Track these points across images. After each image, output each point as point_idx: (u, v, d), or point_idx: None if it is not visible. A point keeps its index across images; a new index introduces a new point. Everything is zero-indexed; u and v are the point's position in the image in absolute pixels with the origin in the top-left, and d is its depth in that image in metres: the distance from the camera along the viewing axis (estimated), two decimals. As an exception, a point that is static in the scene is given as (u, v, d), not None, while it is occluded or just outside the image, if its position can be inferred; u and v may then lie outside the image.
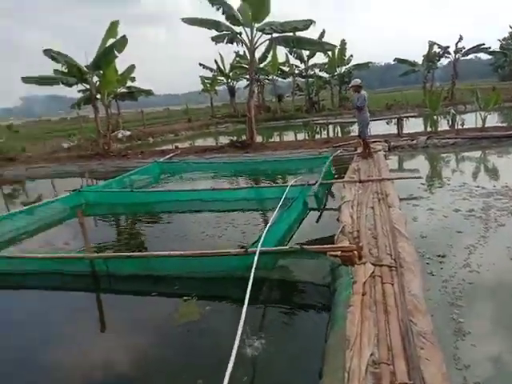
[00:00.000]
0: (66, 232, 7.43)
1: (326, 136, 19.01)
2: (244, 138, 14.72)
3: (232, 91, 34.86)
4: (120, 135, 21.97)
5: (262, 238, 4.65)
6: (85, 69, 14.05)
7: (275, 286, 4.44)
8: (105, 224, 7.93)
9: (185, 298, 4.16)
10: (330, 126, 23.00)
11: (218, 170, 11.80)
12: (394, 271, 3.92)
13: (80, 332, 3.89)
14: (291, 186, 7.57)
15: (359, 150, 11.02)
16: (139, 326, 3.86)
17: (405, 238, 4.69)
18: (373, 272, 3.93)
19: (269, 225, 5.18)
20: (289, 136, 22.02)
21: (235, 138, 16.78)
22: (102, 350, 3.59)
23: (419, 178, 7.75)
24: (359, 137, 10.25)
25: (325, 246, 4.32)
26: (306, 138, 17.51)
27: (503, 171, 8.53)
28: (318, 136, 21.05)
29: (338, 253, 4.24)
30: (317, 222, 6.74)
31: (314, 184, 7.71)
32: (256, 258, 4.14)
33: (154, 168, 11.97)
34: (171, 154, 13.48)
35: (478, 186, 7.37)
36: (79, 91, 17.51)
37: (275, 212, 5.95)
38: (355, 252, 4.16)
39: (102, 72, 14.39)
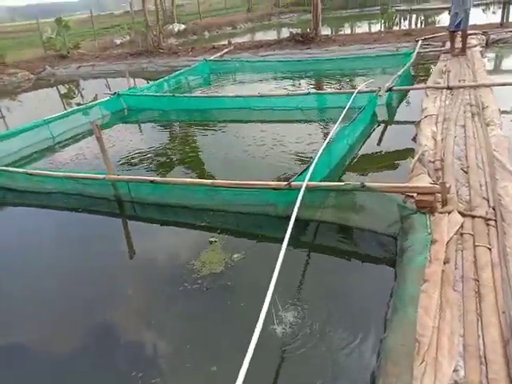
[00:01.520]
0: (105, 141, 6.83)
1: (406, 27, 16.06)
2: (308, 30, 12.67)
3: (299, -26, 30.34)
4: (175, 29, 20.44)
5: (313, 166, 3.63)
6: None
7: (324, 230, 3.51)
8: (142, 133, 7.22)
9: (210, 239, 3.40)
10: (414, 15, 19.50)
11: (273, 70, 10.34)
12: (492, 227, 2.78)
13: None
14: (358, 92, 6.20)
15: (448, 46, 8.86)
16: (151, 275, 3.22)
17: (508, 174, 3.40)
18: (461, 226, 2.82)
19: (323, 147, 4.08)
20: (362, 27, 19.06)
21: (299, 30, 14.64)
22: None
23: (531, 83, 5.90)
24: (456, 27, 8.02)
25: (394, 184, 3.19)
26: (382, 29, 14.82)
27: None
28: (396, 28, 17.98)
29: (414, 195, 3.13)
30: (378, 143, 5.43)
31: (388, 89, 6.23)
32: (300, 195, 3.19)
33: (203, 68, 10.78)
34: (223, 52, 12.06)
35: None
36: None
37: (334, 128, 4.78)
38: (437, 194, 3.02)
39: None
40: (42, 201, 4.69)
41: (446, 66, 7.44)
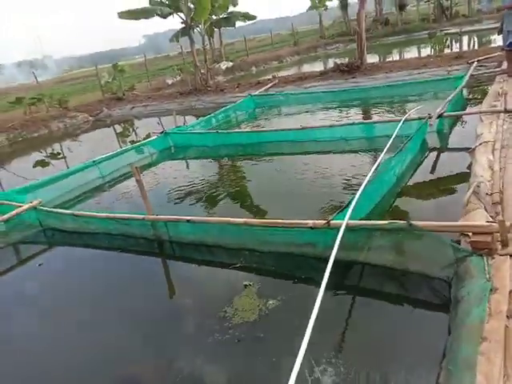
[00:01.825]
0: (151, 179, 7.03)
1: (457, 50, 15.46)
2: (353, 59, 12.56)
3: (344, 4, 30.59)
4: (223, 67, 21.22)
5: (354, 202, 3.40)
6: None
7: (369, 273, 3.22)
8: (187, 170, 7.33)
9: (245, 282, 3.24)
10: (465, 37, 18.82)
11: (317, 101, 10.26)
12: None
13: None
14: (405, 120, 5.90)
15: (504, 66, 8.32)
16: (183, 322, 3.10)
17: None
18: (527, 272, 2.44)
19: (366, 181, 3.85)
20: (411, 53, 18.67)
21: (346, 59, 14.56)
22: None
23: None
24: (507, 48, 7.60)
25: (445, 223, 2.87)
26: (431, 54, 14.36)
27: None
28: (447, 51, 17.39)
29: (469, 234, 2.79)
30: (431, 171, 5.07)
31: (438, 116, 5.87)
32: (340, 235, 2.97)
33: (248, 103, 10.95)
34: (267, 86, 12.22)
35: None
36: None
37: (379, 159, 4.53)
38: (496, 234, 2.66)
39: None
40: (87, 241, 4.80)
41: (502, 87, 6.93)
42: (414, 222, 2.89)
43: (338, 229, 3.08)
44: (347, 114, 8.86)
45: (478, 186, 3.53)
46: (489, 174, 3.78)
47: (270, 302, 2.95)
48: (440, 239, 2.83)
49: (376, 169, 4.24)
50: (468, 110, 6.58)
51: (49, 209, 5.10)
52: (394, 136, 5.17)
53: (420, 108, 6.94)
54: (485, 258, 2.59)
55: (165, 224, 4.15)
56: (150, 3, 13.87)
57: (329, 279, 3.15)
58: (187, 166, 7.55)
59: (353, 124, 6.50)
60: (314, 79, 12.15)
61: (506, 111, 5.50)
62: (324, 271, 2.60)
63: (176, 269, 3.95)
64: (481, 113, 5.63)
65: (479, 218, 3.01)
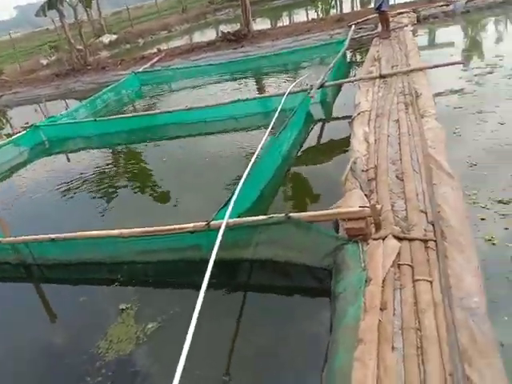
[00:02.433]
0: (18, 185, 6.12)
1: (339, 13, 15.88)
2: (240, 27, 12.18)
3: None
4: (105, 40, 19.42)
5: (234, 198, 3.16)
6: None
7: (258, 269, 3.06)
8: (65, 167, 6.52)
9: (121, 305, 2.88)
10: (346, -2, 19.36)
11: (207, 74, 9.79)
12: (431, 249, 2.41)
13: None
14: (289, 93, 5.78)
15: (380, 29, 8.63)
16: (46, 368, 2.67)
17: (446, 176, 3.06)
18: (398, 255, 2.43)
19: (248, 169, 3.63)
20: (299, 16, 18.76)
21: (237, 25, 14.04)
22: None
23: (461, 63, 5.67)
24: (377, 9, 7.83)
25: (321, 212, 2.77)
26: (316, 17, 14.53)
27: None
28: (334, 12, 17.79)
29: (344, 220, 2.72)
30: (317, 145, 5.07)
31: (320, 86, 5.84)
32: (220, 236, 2.73)
33: (132, 81, 10.10)
34: (153, 61, 11.37)
35: (545, 66, 5.30)
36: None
37: (262, 140, 4.33)
38: (369, 219, 2.63)
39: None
40: None
41: (378, 51, 7.16)
42: (291, 214, 2.75)
43: (218, 230, 2.84)
44: (240, 86, 8.57)
45: (355, 163, 3.52)
46: (364, 148, 3.80)
47: (150, 326, 2.64)
48: (318, 229, 2.73)
49: (259, 152, 4.06)
50: (348, 78, 6.67)
51: None
52: (277, 113, 5.01)
53: (305, 77, 6.93)
54: (360, 244, 2.55)
55: (26, 245, 3.56)
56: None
57: (217, 281, 2.95)
58: (65, 161, 6.73)
59: (238, 101, 6.23)
60: (201, 50, 11.59)
61: (380, 76, 5.65)
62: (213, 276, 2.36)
63: (46, 295, 3.42)
64: (358, 80, 5.71)
65: (355, 199, 2.96)
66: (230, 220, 2.94)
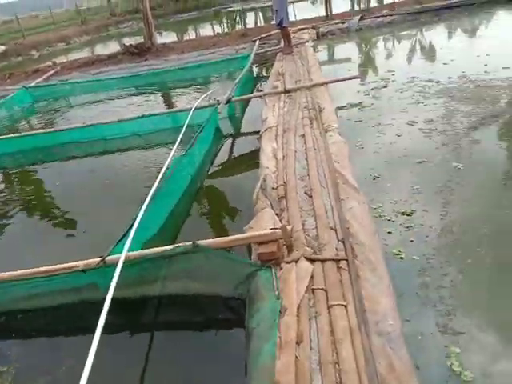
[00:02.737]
0: None
1: (243, 28, 16.17)
2: (143, 40, 11.72)
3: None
4: (-8, 52, 17.49)
5: (136, 226, 2.85)
6: None
7: (164, 306, 2.76)
8: None
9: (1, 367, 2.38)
10: (251, 14, 19.89)
11: (109, 89, 9.18)
12: (344, 270, 2.35)
13: None
14: (196, 108, 5.58)
15: (282, 44, 8.85)
16: None
17: (352, 191, 3.08)
18: (311, 278, 2.33)
19: (152, 192, 3.33)
20: (205, 29, 18.76)
21: (141, 38, 13.48)
22: None
23: (359, 78, 5.97)
24: (278, 26, 8.03)
25: (230, 238, 2.58)
26: (221, 32, 14.60)
27: (455, 54, 6.93)
28: (239, 27, 18.07)
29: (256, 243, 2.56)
30: (226, 162, 4.93)
31: (227, 101, 5.72)
32: (117, 273, 2.39)
33: (22, 96, 9.09)
34: (47, 74, 10.40)
35: (430, 80, 5.78)
36: None
37: (168, 158, 4.05)
38: (281, 241, 2.50)
39: None
40: None
41: (282, 66, 7.29)
42: (199, 242, 2.51)
43: (114, 266, 2.50)
44: (146, 101, 8.14)
45: (265, 180, 3.41)
46: (273, 164, 3.72)
47: (34, 390, 2.20)
48: (228, 256, 2.53)
49: (165, 172, 3.77)
50: (254, 93, 6.67)
51: None
52: (183, 129, 4.78)
53: (212, 92, 6.78)
54: (273, 270, 2.40)
55: None
56: None
57: (118, 322, 2.61)
58: None
59: (142, 116, 5.85)
60: (102, 64, 10.90)
61: (285, 91, 5.70)
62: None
63: None
64: (264, 95, 5.71)
65: (267, 219, 2.84)
66: (130, 253, 2.61)
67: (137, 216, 3.00)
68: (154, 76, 9.24)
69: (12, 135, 6.29)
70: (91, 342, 2.46)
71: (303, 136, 4.18)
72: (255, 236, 2.50)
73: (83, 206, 4.29)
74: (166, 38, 15.79)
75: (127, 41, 18.34)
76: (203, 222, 3.82)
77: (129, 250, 2.60)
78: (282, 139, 4.21)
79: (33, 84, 9.64)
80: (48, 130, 6.17)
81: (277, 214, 2.94)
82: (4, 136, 6.18)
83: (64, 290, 2.78)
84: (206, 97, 6.33)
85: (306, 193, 3.16)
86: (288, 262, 2.42)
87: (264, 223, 2.79)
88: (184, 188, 4.11)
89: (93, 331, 2.60)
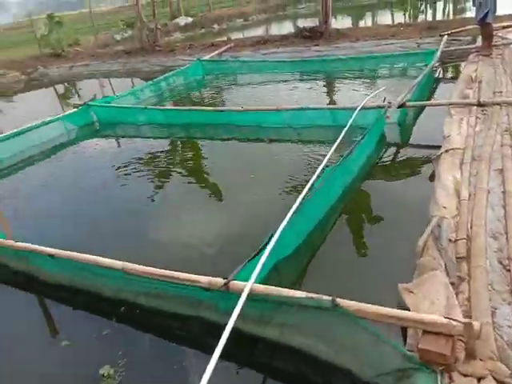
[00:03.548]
0: (59, 166, 5.78)
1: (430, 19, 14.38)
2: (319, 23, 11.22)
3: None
4: (181, 23, 19.25)
5: (269, 249, 2.43)
6: None
7: (279, 351, 2.29)
8: (109, 153, 6.08)
9: (102, 370, 2.24)
10: (440, 3, 17.66)
11: (274, 71, 9.01)
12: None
13: None
14: (362, 108, 4.89)
15: (479, 43, 7.35)
16: None
17: None
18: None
19: (293, 210, 2.87)
20: (384, 17, 17.36)
21: (316, 21, 13.07)
22: None
23: None
24: (480, 21, 6.59)
25: (385, 310, 1.92)
26: (403, 21, 13.16)
27: None
28: (422, 17, 16.24)
29: (419, 331, 1.87)
30: (388, 176, 4.15)
31: (400, 105, 4.90)
32: (240, 304, 2.02)
33: (195, 69, 9.57)
34: (221, 49, 10.79)
35: None
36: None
37: (321, 165, 3.55)
38: (455, 340, 1.75)
39: None
40: None
41: (476, 70, 5.98)
42: (340, 301, 1.94)
43: (238, 295, 2.13)
44: (308, 88, 7.77)
45: (439, 226, 2.61)
46: (454, 204, 2.86)
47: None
48: (375, 332, 1.89)
49: (313, 183, 3.27)
50: (435, 100, 5.60)
51: None
52: (343, 132, 4.18)
53: (382, 90, 5.94)
54: (439, 377, 1.69)
55: (26, 255, 3.06)
56: None
57: (230, 349, 2.26)
58: (110, 146, 6.33)
59: (301, 109, 5.41)
60: (273, 45, 10.81)
61: (479, 104, 4.57)
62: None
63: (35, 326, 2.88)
64: (450, 105, 4.67)
65: (437, 289, 2.10)
66: (256, 286, 2.20)
67: (272, 236, 2.58)
68: (321, 63, 8.73)
69: (174, 107, 6.59)
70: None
71: (501, 171, 3.16)
72: (419, 320, 1.80)
73: (227, 198, 4.11)
74: (341, 23, 15.00)
75: (302, 22, 18.20)
76: (344, 249, 3.22)
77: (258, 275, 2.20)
78: (469, 169, 3.27)
79: (206, 58, 10.07)
80: (208, 108, 6.26)
81: (452, 284, 2.16)
82: (166, 107, 6.49)
83: (183, 300, 2.54)
84: (374, 95, 5.56)
85: (500, 262, 2.28)
86: (465, 375, 1.68)
87: (431, 294, 2.06)
88: (332, 203, 3.55)
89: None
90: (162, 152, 5.67)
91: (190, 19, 19.43)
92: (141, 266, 2.54)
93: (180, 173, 4.99)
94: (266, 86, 8.41)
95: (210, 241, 3.39)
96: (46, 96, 11.68)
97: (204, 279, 2.34)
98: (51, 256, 2.87)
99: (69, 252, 2.83)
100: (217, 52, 10.59)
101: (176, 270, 2.43)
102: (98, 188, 4.78)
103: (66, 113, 6.90)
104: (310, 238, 3.14)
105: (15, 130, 6.13)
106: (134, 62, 12.20)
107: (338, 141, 4.02)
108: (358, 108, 4.86)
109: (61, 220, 4.11)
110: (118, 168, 5.21)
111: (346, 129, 4.30)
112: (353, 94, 6.85)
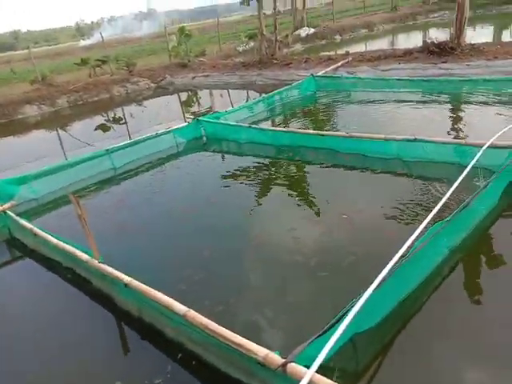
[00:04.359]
0: (167, 177, 6.04)
1: None
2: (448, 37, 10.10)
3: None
4: (303, 34, 19.26)
5: (346, 324, 2.07)
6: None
7: None
8: (210, 169, 6.19)
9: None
10: None
11: (392, 90, 8.31)
12: None
13: None
14: (488, 147, 4.15)
15: None
16: None
17: None
18: None
19: (386, 271, 2.43)
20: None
21: (447, 32, 11.87)
22: None
23: None
24: None
25: None
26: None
27: None
28: None
29: None
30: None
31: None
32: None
33: (308, 84, 9.36)
34: (337, 65, 10.40)
35: None
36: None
37: (426, 219, 3.03)
38: None
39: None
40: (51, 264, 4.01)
41: None
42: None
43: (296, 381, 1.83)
44: (428, 112, 6.98)
45: None
46: None
47: None
48: None
49: (413, 243, 2.76)
50: None
51: (15, 217, 4.38)
52: (462, 176, 3.55)
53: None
54: None
55: (104, 277, 3.15)
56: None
57: None
58: (214, 162, 6.45)
59: (415, 140, 4.79)
60: (394, 60, 10.06)
61: None
62: None
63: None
64: None
65: None
66: (319, 377, 1.85)
67: (352, 305, 2.20)
68: (447, 83, 7.80)
69: (276, 128, 6.49)
70: None
71: None
72: None
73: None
74: (479, 35, 13.35)
75: (433, 33, 16.74)
76: (443, 324, 2.64)
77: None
78: None
79: (320, 73, 9.78)
80: (311, 131, 5.99)
81: None
82: (269, 128, 6.40)
83: (239, 363, 2.31)
84: (507, 130, 4.67)
85: None
86: None
87: None
88: (434, 266, 2.98)
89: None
90: (262, 170, 5.60)
91: (312, 30, 19.32)
92: (203, 318, 2.38)
93: (278, 192, 4.89)
94: (381, 105, 7.80)
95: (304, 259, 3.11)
96: (170, 102, 12.64)
97: (261, 352, 2.07)
98: (125, 285, 2.90)
99: (139, 283, 2.82)
100: (332, 67, 10.24)
101: (244, 337, 2.20)
102: (201, 201, 4.90)
103: (177, 126, 7.25)
104: (402, 305, 2.65)
105: (130, 141, 6.64)
106: (251, 74, 12.50)
107: (455, 185, 3.43)
108: (486, 145, 4.14)
109: (161, 232, 4.29)
110: (220, 181, 5.36)
111: (466, 170, 3.69)
112: (482, 126, 5.91)
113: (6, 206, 4.53)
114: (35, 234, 3.97)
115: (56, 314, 3.33)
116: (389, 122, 6.82)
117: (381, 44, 16.51)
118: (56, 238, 3.72)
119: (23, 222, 4.20)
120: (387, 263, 2.49)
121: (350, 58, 10.88)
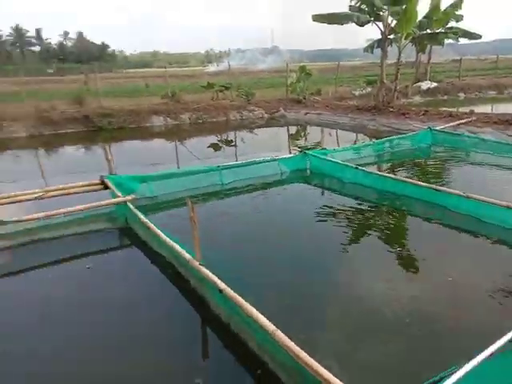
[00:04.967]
0: (271, 203, 6.24)
1: None
2: None
3: None
4: (424, 87, 18.79)
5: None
6: (380, 3, 11.70)
7: None
8: (312, 202, 6.26)
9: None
10: None
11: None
12: None
13: None
14: None
15: None
16: None
17: None
18: None
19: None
20: None
21: None
22: None
23: None
24: None
25: None
26: None
27: None
28: None
29: None
30: None
31: None
32: None
33: (423, 136, 9.08)
34: (458, 122, 9.93)
35: None
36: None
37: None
38: None
39: (402, 7, 11.67)
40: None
41: None
42: None
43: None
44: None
45: None
46: None
47: None
48: None
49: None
50: None
51: (134, 209, 4.89)
52: None
53: None
54: None
55: (202, 280, 3.35)
56: (349, 9, 12.90)
57: None
58: (317, 195, 6.54)
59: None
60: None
61: None
62: None
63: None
64: None
65: None
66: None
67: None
68: None
69: (388, 175, 6.32)
70: None
71: None
72: None
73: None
74: None
75: None
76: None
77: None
78: None
79: (439, 127, 9.42)
80: (421, 183, 5.72)
81: None
82: (376, 172, 6.30)
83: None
84: None
85: None
86: None
87: None
88: None
89: None
90: (361, 212, 5.52)
91: (434, 84, 18.77)
92: (289, 341, 2.40)
93: (374, 238, 4.73)
94: (504, 172, 7.22)
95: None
96: (279, 134, 13.16)
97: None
98: (220, 291, 3.05)
99: (233, 292, 2.94)
100: (453, 124, 9.80)
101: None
102: (296, 231, 5.01)
103: (284, 156, 7.51)
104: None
105: (239, 162, 7.05)
106: (363, 118, 12.51)
107: None
108: None
109: (256, 250, 4.50)
110: (317, 215, 5.43)
111: None
112: None
113: (128, 197, 5.09)
114: (148, 228, 4.38)
115: (147, 305, 3.56)
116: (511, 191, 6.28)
117: (510, 109, 15.38)
118: (166, 234, 4.07)
119: (140, 215, 4.67)
120: (492, 343, 2.28)
121: (474, 118, 10.30)
